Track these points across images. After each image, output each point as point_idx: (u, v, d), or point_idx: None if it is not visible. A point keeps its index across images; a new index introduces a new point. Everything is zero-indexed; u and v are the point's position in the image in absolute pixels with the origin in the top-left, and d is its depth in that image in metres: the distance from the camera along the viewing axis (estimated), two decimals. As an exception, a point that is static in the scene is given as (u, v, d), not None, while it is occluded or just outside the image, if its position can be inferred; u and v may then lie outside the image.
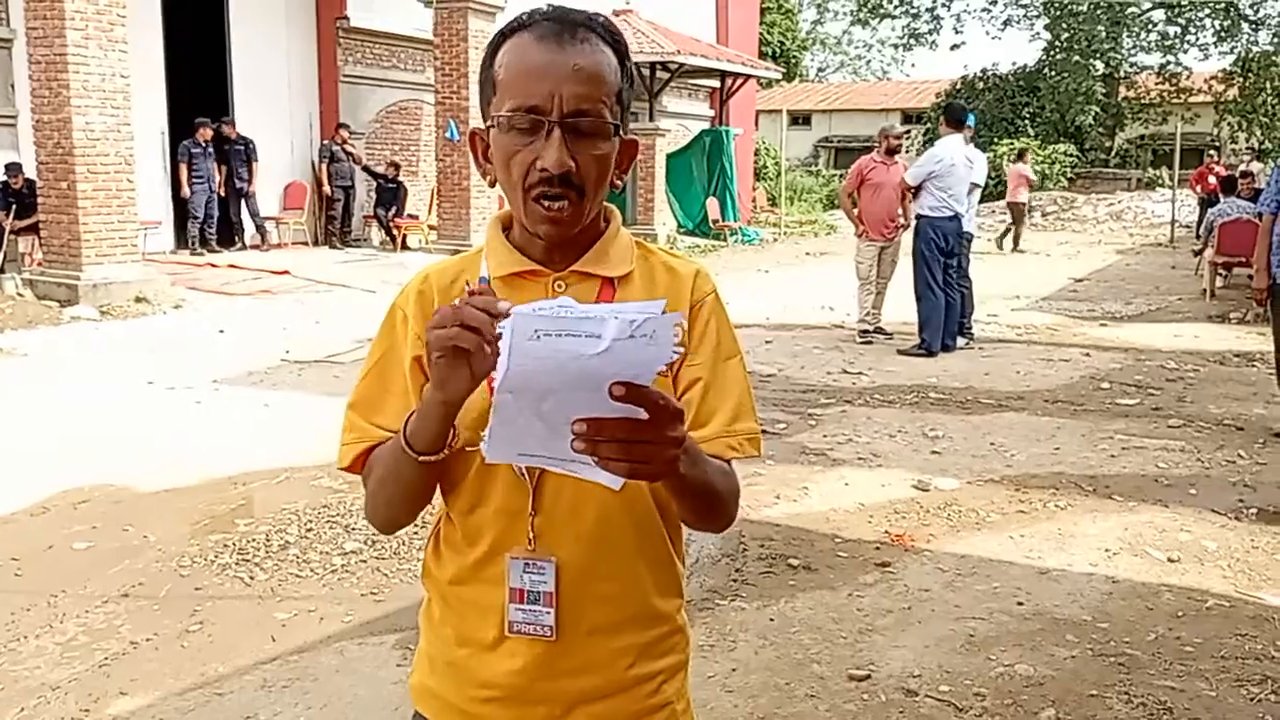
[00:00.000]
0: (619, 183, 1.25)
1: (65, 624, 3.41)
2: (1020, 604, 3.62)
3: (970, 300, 8.88)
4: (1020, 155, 19.78)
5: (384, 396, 1.25)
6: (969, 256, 8.85)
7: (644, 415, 0.94)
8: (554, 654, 1.23)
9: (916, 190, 8.34)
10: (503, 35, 1.21)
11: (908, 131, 8.70)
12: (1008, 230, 18.27)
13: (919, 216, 8.35)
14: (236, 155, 13.36)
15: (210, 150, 12.88)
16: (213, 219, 13.08)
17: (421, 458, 1.13)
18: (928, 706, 2.94)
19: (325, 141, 14.52)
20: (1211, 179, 16.97)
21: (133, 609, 3.53)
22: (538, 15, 1.19)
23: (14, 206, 10.59)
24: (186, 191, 12.67)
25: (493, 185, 1.24)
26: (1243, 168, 16.84)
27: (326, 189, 14.41)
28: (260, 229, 13.93)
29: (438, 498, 1.29)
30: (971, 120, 8.77)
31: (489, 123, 1.21)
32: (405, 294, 1.29)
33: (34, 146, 10.09)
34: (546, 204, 1.17)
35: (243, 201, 13.61)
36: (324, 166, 14.38)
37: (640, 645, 1.27)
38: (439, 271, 1.30)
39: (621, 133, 1.22)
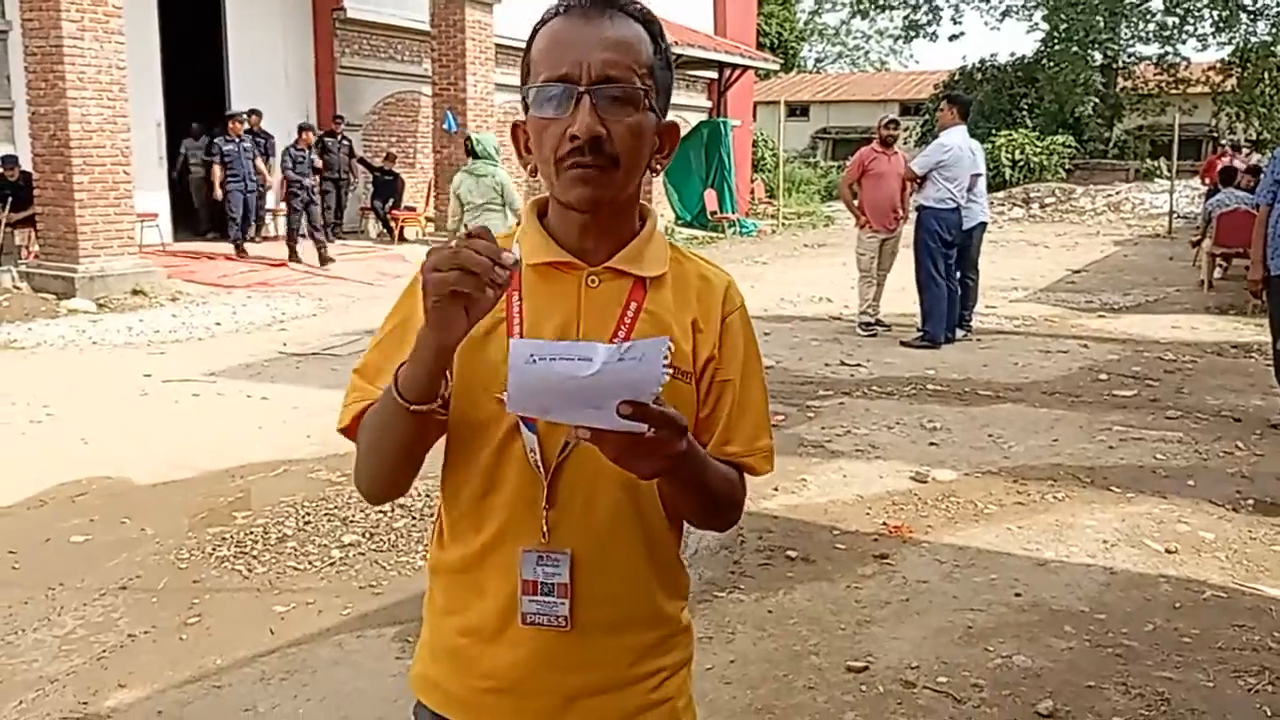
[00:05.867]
0: (659, 166, 1.25)
1: (63, 617, 3.41)
2: (1018, 595, 3.62)
3: (974, 293, 8.86)
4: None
5: (393, 364, 1.17)
6: (979, 248, 8.82)
7: (645, 429, 0.98)
8: (557, 646, 1.22)
9: (921, 180, 8.31)
10: (538, 25, 1.22)
11: (895, 122, 8.66)
12: None
13: (922, 207, 8.31)
14: (259, 149, 13.28)
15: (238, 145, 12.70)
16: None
17: (414, 407, 1.09)
18: (926, 697, 2.94)
19: (320, 134, 14.45)
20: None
21: (131, 602, 3.53)
22: (571, 1, 1.20)
23: (10, 199, 10.56)
24: (219, 193, 12.57)
25: (534, 175, 1.23)
26: (1250, 162, 16.65)
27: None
28: (260, 222, 13.87)
29: (431, 491, 1.28)
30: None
31: (525, 104, 1.21)
32: None
33: (30, 139, 10.07)
34: (578, 169, 1.16)
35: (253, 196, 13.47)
36: (318, 159, 14.28)
37: (645, 644, 1.27)
38: None
39: (657, 111, 1.21)
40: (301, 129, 12.66)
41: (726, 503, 1.27)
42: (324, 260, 12.22)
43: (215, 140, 12.77)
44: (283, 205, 14.30)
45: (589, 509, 1.21)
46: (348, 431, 1.24)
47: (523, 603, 1.21)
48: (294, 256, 12.33)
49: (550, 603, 1.21)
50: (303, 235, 12.42)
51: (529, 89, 1.19)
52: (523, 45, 1.25)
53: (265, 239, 13.99)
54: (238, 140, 12.62)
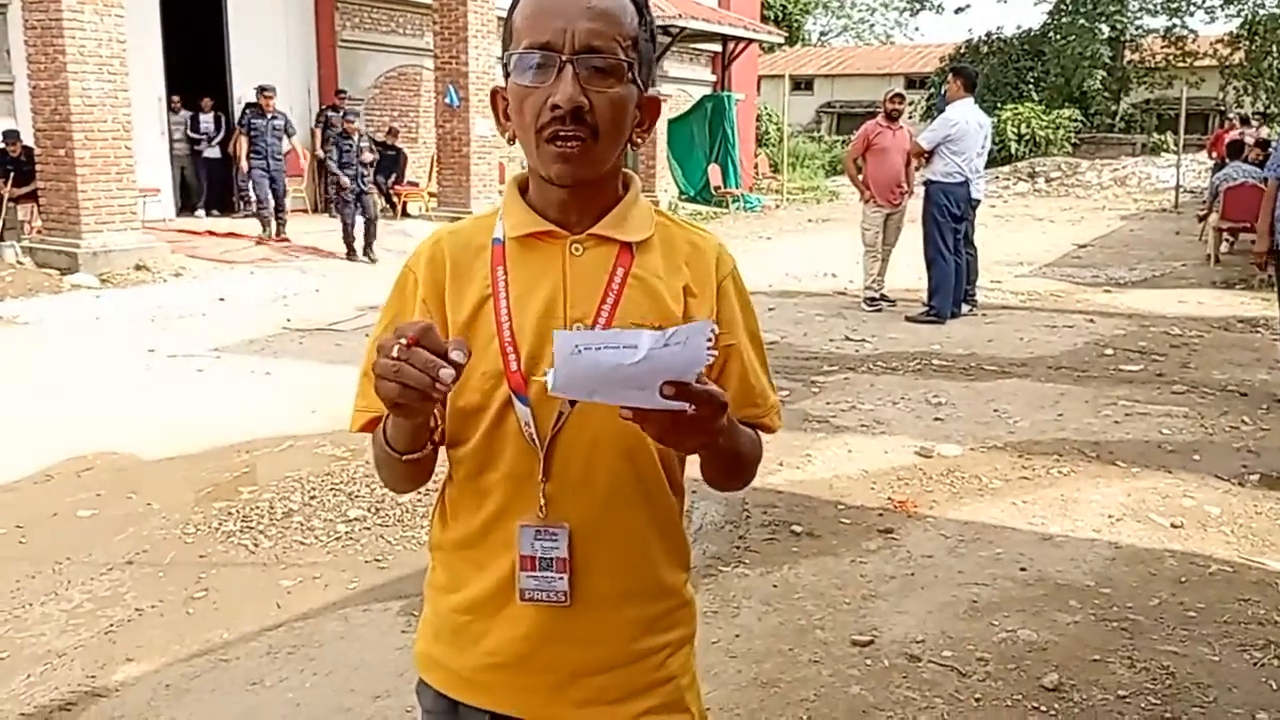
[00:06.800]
0: (639, 140, 1.23)
1: (70, 591, 3.42)
2: (1023, 570, 3.62)
3: (975, 267, 8.82)
4: None
5: None
6: (974, 223, 8.78)
7: (688, 408, 0.99)
8: (560, 621, 1.22)
9: (929, 155, 8.25)
10: None
11: (900, 95, 8.63)
12: None
13: (930, 182, 8.26)
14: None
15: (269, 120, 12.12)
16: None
17: (405, 457, 1.15)
18: (931, 671, 2.95)
19: (322, 107, 14.35)
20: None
21: (138, 576, 3.54)
22: None
23: (12, 174, 10.51)
24: (245, 166, 12.00)
25: (512, 143, 1.22)
26: (1260, 135, 16.44)
27: (319, 153, 14.10)
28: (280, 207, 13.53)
29: (442, 467, 1.28)
30: None
31: (506, 70, 1.19)
32: (416, 256, 1.26)
33: (31, 113, 10.02)
34: (559, 142, 1.14)
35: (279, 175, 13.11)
36: (318, 133, 14.19)
37: (648, 618, 1.26)
38: (451, 234, 1.27)
39: (640, 83, 1.19)
40: (348, 117, 11.97)
41: (752, 463, 1.28)
42: (352, 252, 11.39)
43: (245, 111, 12.36)
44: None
45: (587, 480, 1.20)
46: (362, 431, 1.27)
47: (520, 579, 1.20)
48: (351, 254, 11.36)
49: (548, 578, 1.20)
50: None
51: (510, 55, 1.17)
52: None
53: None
54: (269, 117, 11.95)
